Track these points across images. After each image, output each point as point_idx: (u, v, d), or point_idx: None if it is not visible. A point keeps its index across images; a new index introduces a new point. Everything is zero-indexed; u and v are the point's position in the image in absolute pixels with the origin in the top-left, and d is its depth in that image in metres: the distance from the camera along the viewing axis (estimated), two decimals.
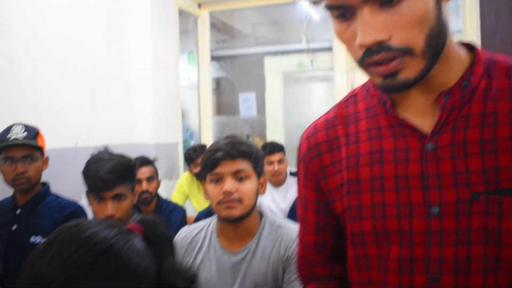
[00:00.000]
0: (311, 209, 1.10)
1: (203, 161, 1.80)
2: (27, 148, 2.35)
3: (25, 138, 2.34)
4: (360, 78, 4.79)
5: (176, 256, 1.10)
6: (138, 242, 0.97)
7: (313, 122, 1.12)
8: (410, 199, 0.91)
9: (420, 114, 0.92)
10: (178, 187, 4.19)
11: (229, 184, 1.71)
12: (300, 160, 1.13)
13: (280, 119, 5.44)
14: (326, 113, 1.10)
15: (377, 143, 0.96)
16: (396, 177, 0.93)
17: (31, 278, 0.87)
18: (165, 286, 1.02)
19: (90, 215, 2.56)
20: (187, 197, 4.18)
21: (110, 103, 3.98)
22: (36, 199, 2.43)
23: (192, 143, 5.12)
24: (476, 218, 0.86)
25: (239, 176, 1.74)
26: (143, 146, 4.04)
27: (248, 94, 5.95)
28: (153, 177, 3.27)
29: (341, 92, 4.81)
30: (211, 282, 1.79)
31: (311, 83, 5.73)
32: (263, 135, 5.67)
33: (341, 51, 4.75)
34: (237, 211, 1.73)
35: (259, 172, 1.81)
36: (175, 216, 3.29)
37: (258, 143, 5.47)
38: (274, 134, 5.13)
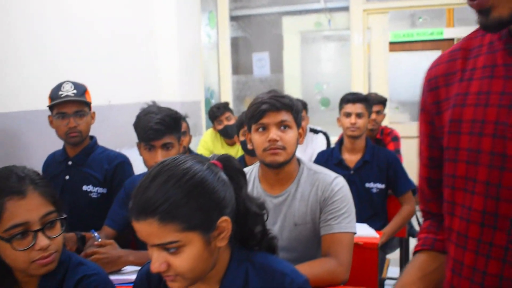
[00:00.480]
0: (424, 143, 1.08)
1: (248, 113, 1.97)
2: (77, 104, 2.54)
3: (75, 95, 2.53)
4: (376, 37, 4.95)
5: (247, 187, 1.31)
6: (222, 175, 1.18)
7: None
8: (505, 149, 0.85)
9: None
10: (203, 143, 4.39)
11: (274, 133, 1.89)
12: (421, 91, 1.09)
13: (297, 78, 5.56)
14: (456, 43, 1.03)
15: (487, 83, 0.90)
16: (496, 122, 0.86)
17: (142, 202, 1.08)
18: (242, 211, 1.24)
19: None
20: (211, 153, 4.37)
21: (138, 64, 4.17)
22: (86, 151, 2.64)
23: (213, 101, 5.30)
24: None
25: (282, 126, 1.92)
26: (170, 104, 4.20)
27: (261, 54, 6.09)
28: (186, 132, 3.46)
29: (357, 51, 4.92)
30: None
31: (328, 42, 5.83)
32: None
33: (358, 10, 4.85)
34: (281, 157, 1.91)
35: (298, 123, 1.99)
36: None
37: None
38: (292, 93, 5.26)
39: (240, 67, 6.08)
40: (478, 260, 0.89)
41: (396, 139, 4.13)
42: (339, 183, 1.97)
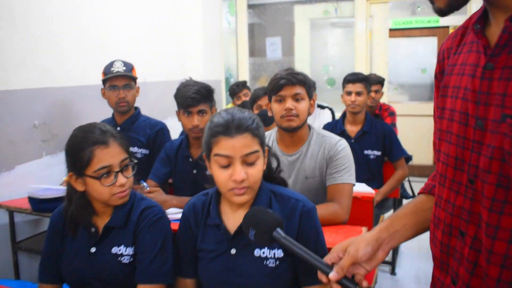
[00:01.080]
0: (435, 103, 1.14)
1: (269, 86, 2.28)
2: (126, 78, 2.87)
3: (124, 71, 2.86)
4: (378, 25, 5.20)
5: None
6: None
7: None
8: (468, 109, 0.95)
9: (497, 33, 0.91)
10: None
11: (290, 103, 2.21)
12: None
13: (307, 60, 5.80)
14: (463, 22, 1.10)
15: (466, 57, 1.00)
16: (465, 88, 0.97)
17: (238, 122, 1.43)
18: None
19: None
20: None
21: (168, 46, 4.48)
22: (132, 119, 2.97)
23: (232, 80, 5.59)
24: (499, 137, 0.87)
25: (296, 98, 2.23)
26: None
27: (274, 38, 6.34)
28: (213, 106, 3.76)
29: (360, 37, 5.15)
30: None
31: (335, 28, 6.04)
32: None
33: (361, 0, 5.09)
34: (294, 123, 2.23)
35: (310, 95, 2.29)
36: None
37: None
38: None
39: (255, 50, 6.32)
40: (450, 195, 1.02)
41: (392, 114, 4.40)
42: (342, 144, 2.28)
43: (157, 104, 3.88)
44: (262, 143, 1.48)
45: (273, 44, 6.34)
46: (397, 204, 3.83)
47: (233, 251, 1.53)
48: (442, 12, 0.91)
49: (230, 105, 4.71)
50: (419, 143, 5.51)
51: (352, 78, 3.54)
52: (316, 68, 5.88)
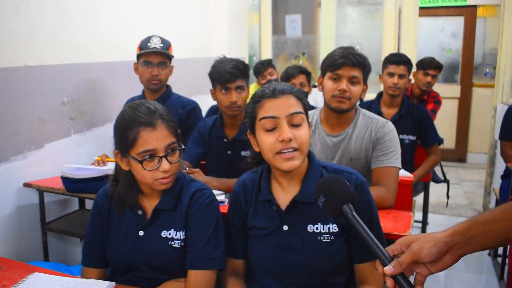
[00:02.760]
0: None
1: (326, 61, 2.18)
2: (162, 55, 2.78)
3: (161, 48, 2.77)
4: (408, 3, 5.05)
5: None
6: None
7: None
8: None
9: None
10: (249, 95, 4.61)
11: (345, 84, 2.12)
12: None
13: (332, 38, 5.68)
14: None
15: None
16: None
17: (282, 85, 1.49)
18: None
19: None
20: None
21: (194, 25, 4.39)
22: (163, 97, 2.88)
23: (254, 58, 5.49)
24: None
25: (352, 80, 2.14)
26: None
27: (294, 16, 6.22)
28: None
29: (389, 15, 5.03)
30: (317, 156, 2.27)
31: (362, 6, 5.89)
32: (311, 53, 6.00)
33: None
34: (345, 105, 2.15)
35: (365, 80, 2.20)
36: None
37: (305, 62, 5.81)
38: (327, 51, 5.38)
39: (278, 28, 6.21)
40: None
41: (438, 102, 4.23)
42: (390, 126, 2.21)
43: (182, 82, 3.80)
44: (305, 110, 1.50)
45: (293, 21, 6.23)
46: (428, 188, 3.76)
47: (285, 227, 1.52)
48: None
49: (254, 85, 4.63)
50: (442, 126, 5.40)
51: (397, 60, 3.41)
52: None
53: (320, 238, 1.49)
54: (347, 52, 2.13)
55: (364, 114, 2.28)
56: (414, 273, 1.08)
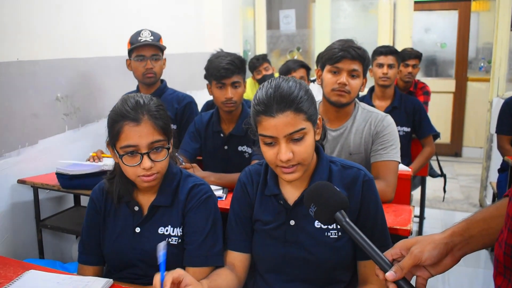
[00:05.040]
0: None
1: (326, 54, 2.13)
2: (154, 48, 2.73)
3: (152, 40, 2.73)
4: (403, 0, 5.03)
5: None
6: None
7: None
8: None
9: None
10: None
11: (345, 78, 2.08)
12: None
13: (327, 32, 5.65)
14: None
15: None
16: None
17: (280, 98, 1.33)
18: None
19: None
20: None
21: (187, 17, 4.34)
22: (158, 92, 2.84)
23: (249, 54, 5.45)
24: None
25: (352, 74, 2.10)
26: None
27: (288, 11, 6.19)
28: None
29: (384, 9, 5.00)
30: None
31: (357, 0, 5.87)
32: (306, 48, 5.97)
33: None
34: (344, 99, 2.12)
35: (365, 73, 2.16)
36: None
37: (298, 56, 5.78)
38: (322, 46, 5.34)
39: (272, 23, 6.18)
40: None
41: (427, 93, 4.23)
42: (389, 120, 2.19)
43: (177, 78, 3.76)
44: (309, 116, 1.38)
45: (287, 16, 6.20)
46: (425, 182, 3.75)
47: (292, 222, 1.49)
48: None
49: (249, 80, 4.60)
50: (437, 121, 5.38)
51: (385, 50, 3.42)
52: None
53: (327, 234, 1.46)
54: (347, 45, 2.09)
55: (363, 108, 2.25)
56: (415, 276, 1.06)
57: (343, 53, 2.07)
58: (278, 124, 1.33)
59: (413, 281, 1.04)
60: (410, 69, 4.03)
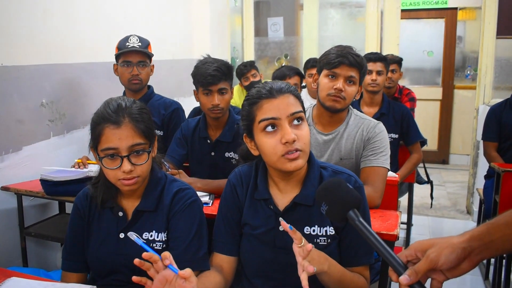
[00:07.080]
0: None
1: (324, 59, 2.14)
2: (141, 54, 2.73)
3: (140, 47, 2.72)
4: (390, 5, 5.08)
5: None
6: None
7: None
8: None
9: None
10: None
11: (342, 84, 2.09)
12: None
13: (315, 40, 5.68)
14: None
15: None
16: None
17: (280, 84, 1.43)
18: None
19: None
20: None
21: (175, 26, 4.34)
22: (145, 98, 2.83)
23: (237, 60, 5.46)
24: None
25: (349, 80, 2.11)
26: None
27: (276, 18, 6.22)
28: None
29: (372, 17, 5.04)
30: None
31: (345, 7, 5.90)
32: (294, 55, 6.00)
33: None
34: (339, 105, 2.13)
35: (361, 81, 2.17)
36: None
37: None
38: (310, 53, 5.37)
39: (260, 30, 6.20)
40: None
41: (412, 99, 4.24)
42: (381, 127, 2.21)
43: (164, 84, 3.75)
44: (304, 108, 1.43)
45: (275, 24, 6.23)
46: (412, 189, 3.77)
47: (281, 227, 1.46)
48: None
49: (237, 87, 4.59)
50: (425, 128, 5.43)
51: (374, 57, 3.44)
52: (325, 48, 5.66)
53: (316, 240, 1.46)
54: (346, 51, 2.10)
55: (356, 114, 2.27)
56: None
57: (341, 59, 2.08)
58: (280, 104, 1.37)
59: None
60: (389, 74, 4.04)
